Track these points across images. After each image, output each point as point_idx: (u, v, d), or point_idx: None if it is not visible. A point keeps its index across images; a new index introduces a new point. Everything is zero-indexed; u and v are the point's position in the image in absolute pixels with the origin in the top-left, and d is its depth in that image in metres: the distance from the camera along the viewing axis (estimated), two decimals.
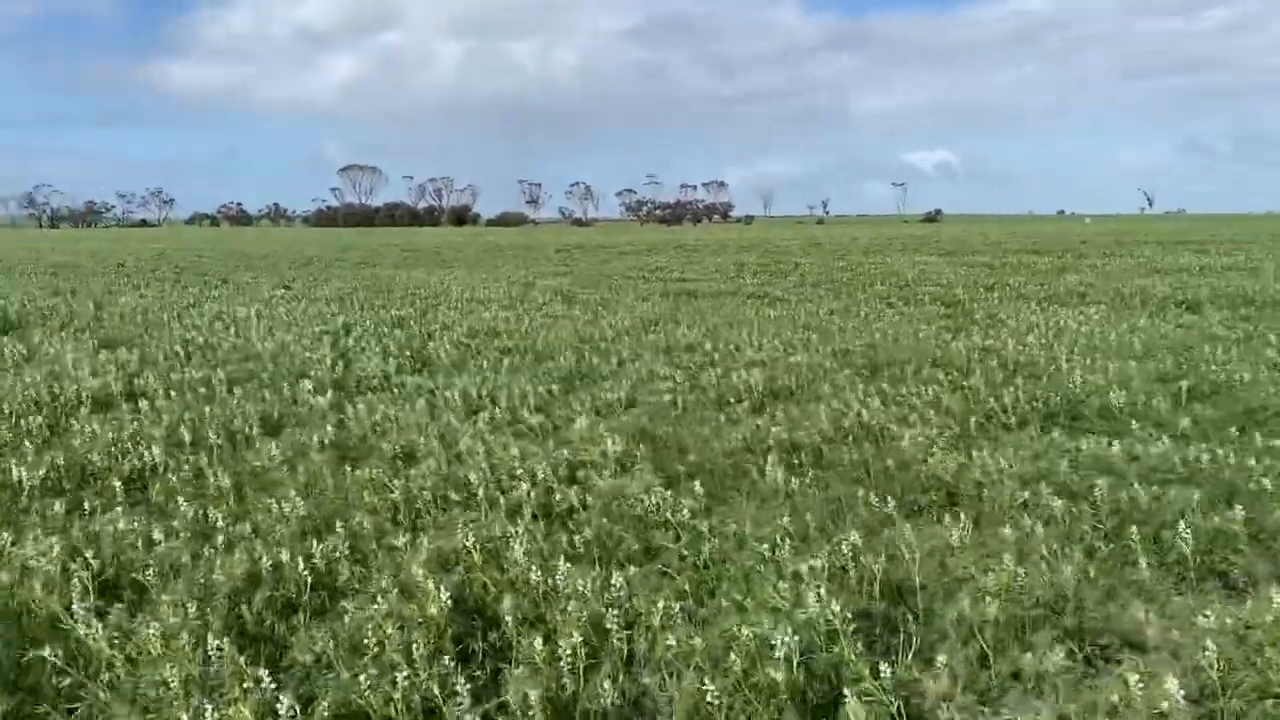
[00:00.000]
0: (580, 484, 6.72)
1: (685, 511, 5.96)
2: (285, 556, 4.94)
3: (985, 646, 4.49)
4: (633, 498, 6.19)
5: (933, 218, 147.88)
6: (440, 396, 10.59)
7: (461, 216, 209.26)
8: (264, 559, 4.99)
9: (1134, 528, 5.79)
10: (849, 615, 4.32)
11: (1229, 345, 12.89)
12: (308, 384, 10.98)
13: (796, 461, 7.76)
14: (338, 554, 5.22)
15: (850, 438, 8.54)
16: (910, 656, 4.46)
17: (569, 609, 4.36)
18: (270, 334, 16.44)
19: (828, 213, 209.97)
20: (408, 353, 14.15)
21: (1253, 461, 7.19)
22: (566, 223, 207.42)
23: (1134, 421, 8.69)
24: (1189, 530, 5.66)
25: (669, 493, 6.27)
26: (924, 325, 16.40)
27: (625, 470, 7.08)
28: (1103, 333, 14.70)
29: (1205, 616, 4.51)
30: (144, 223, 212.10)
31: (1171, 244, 47.35)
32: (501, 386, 11.00)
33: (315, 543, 5.29)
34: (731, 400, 10.42)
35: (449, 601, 4.34)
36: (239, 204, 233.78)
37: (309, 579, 4.87)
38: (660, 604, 4.38)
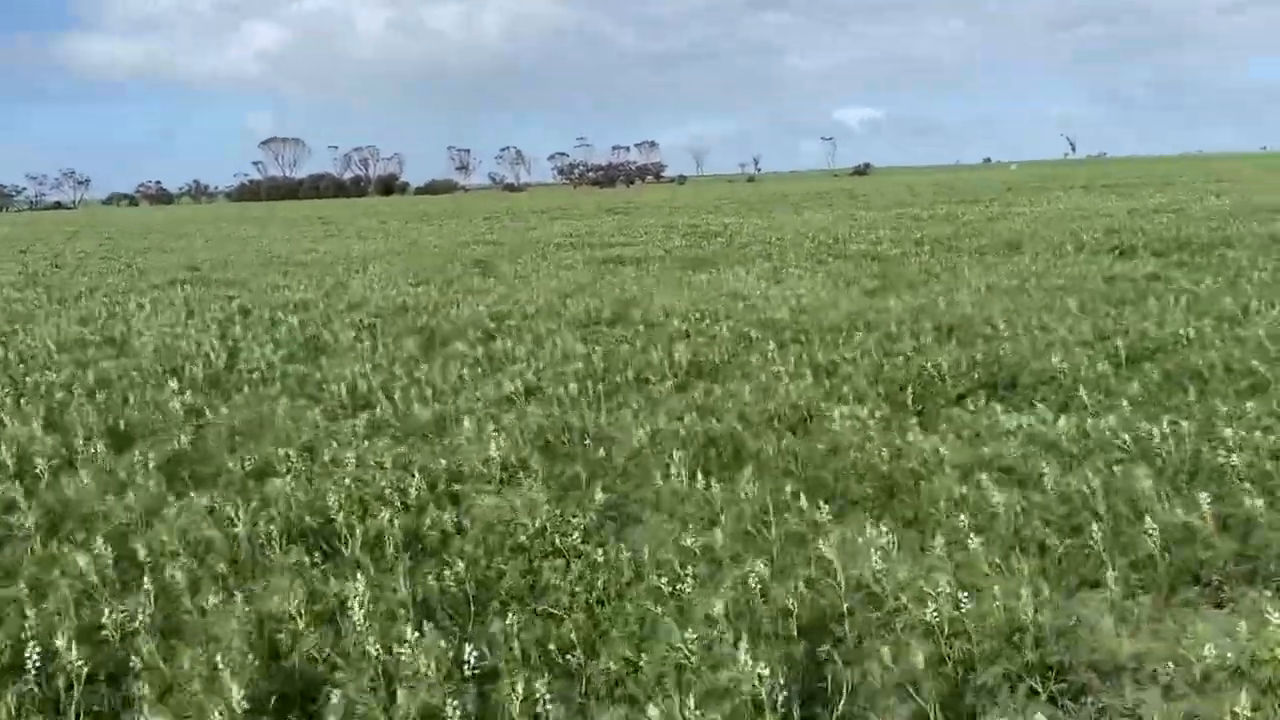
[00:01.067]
0: (459, 503, 5.77)
1: (576, 535, 5.05)
2: (61, 640, 3.86)
3: (923, 703, 3.68)
4: (514, 522, 5.24)
5: (862, 171, 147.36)
6: (326, 391, 9.52)
7: (389, 185, 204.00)
8: (31, 642, 3.91)
9: (1094, 525, 5.03)
10: (779, 679, 3.47)
11: (1167, 296, 12.32)
12: (173, 383, 9.81)
13: (716, 454, 6.89)
14: (136, 623, 4.18)
15: (777, 420, 7.70)
16: None
17: (403, 704, 3.41)
18: (157, 324, 15.09)
19: (759, 170, 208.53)
20: (300, 339, 12.99)
21: (1210, 436, 6.49)
22: (498, 189, 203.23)
23: (1080, 389, 7.97)
24: (1155, 524, 4.92)
25: (560, 511, 5.35)
26: (853, 286, 15.64)
27: (513, 482, 6.14)
28: (1036, 284, 14.08)
29: (1196, 642, 3.75)
30: (58, 205, 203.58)
31: (1097, 187, 47.44)
32: (397, 378, 9.96)
33: (108, 610, 4.24)
34: (652, 379, 9.52)
35: (243, 703, 3.34)
36: (158, 182, 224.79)
37: (83, 669, 3.82)
38: (520, 687, 3.45)
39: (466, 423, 7.55)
